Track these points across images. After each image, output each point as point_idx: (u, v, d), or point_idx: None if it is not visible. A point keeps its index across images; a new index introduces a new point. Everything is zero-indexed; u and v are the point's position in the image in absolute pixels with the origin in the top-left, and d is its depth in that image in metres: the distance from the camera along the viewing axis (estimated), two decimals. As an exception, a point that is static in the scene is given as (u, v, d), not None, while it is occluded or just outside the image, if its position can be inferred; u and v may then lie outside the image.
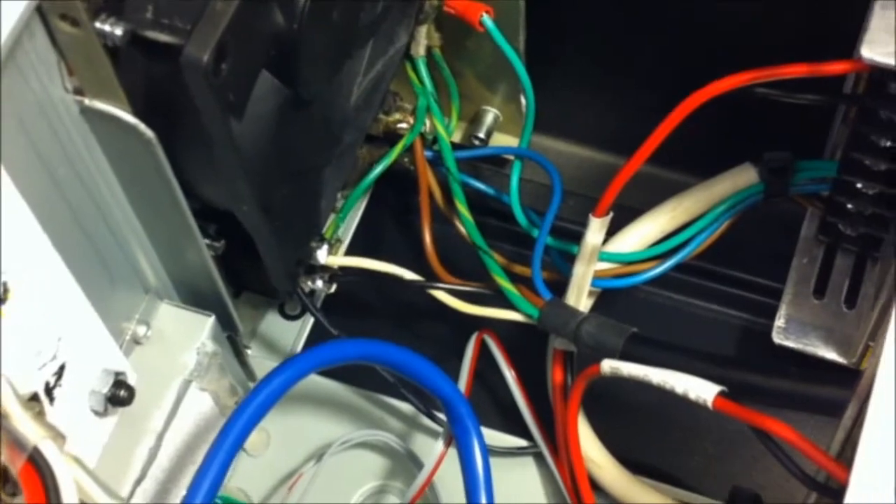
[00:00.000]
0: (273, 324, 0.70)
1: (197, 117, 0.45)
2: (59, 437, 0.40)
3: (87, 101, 0.46)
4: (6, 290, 0.43)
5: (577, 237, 0.63)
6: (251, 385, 0.63)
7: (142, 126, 0.46)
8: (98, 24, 0.43)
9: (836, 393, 0.54)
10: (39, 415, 0.44)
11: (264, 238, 0.53)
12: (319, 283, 0.62)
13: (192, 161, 0.49)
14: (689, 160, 0.66)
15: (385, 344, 0.54)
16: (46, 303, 0.45)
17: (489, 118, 0.71)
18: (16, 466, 0.39)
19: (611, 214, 0.60)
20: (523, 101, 0.67)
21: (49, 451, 0.39)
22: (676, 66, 0.58)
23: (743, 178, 0.62)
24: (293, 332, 0.69)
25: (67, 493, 0.39)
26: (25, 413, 0.39)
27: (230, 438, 0.50)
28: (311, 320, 0.69)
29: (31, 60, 0.43)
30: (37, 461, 0.39)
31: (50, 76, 0.44)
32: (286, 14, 0.48)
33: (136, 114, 0.46)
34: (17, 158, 0.43)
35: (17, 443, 0.39)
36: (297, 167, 0.55)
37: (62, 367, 0.48)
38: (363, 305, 0.70)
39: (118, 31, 0.43)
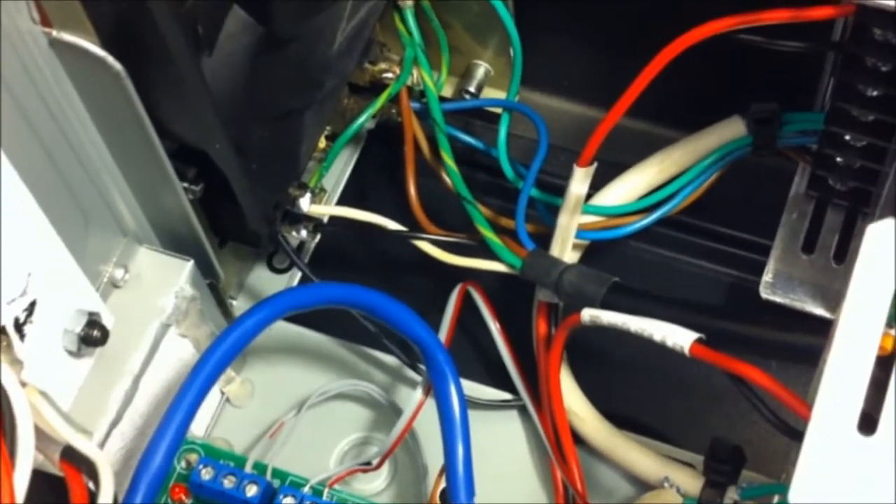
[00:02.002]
0: (260, 277, 0.69)
1: (165, 50, 0.45)
2: (16, 362, 0.40)
3: (54, 33, 0.46)
4: (-31, 220, 0.43)
5: (554, 188, 0.63)
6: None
7: (110, 59, 0.46)
8: (61, -47, 0.43)
9: (814, 341, 0.53)
10: (6, 347, 0.44)
11: (238, 178, 0.53)
12: (304, 233, 0.62)
13: (162, 97, 0.48)
14: (679, 115, 0.66)
15: (360, 288, 0.54)
16: (13, 237, 0.45)
17: (480, 72, 0.71)
18: (-29, 392, 0.39)
19: (595, 165, 0.59)
20: (512, 53, 0.67)
21: (4, 375, 0.39)
22: (668, 18, 0.57)
23: (731, 130, 0.62)
24: (280, 286, 0.69)
25: (22, 416, 0.39)
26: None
27: (200, 377, 0.50)
28: (299, 274, 0.69)
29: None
30: (-9, 390, 0.38)
31: (17, 7, 0.44)
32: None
33: (105, 46, 0.46)
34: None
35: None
36: (275, 110, 0.55)
37: (33, 304, 0.47)
38: (348, 259, 0.69)
39: (81, -40, 0.43)
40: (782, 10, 0.53)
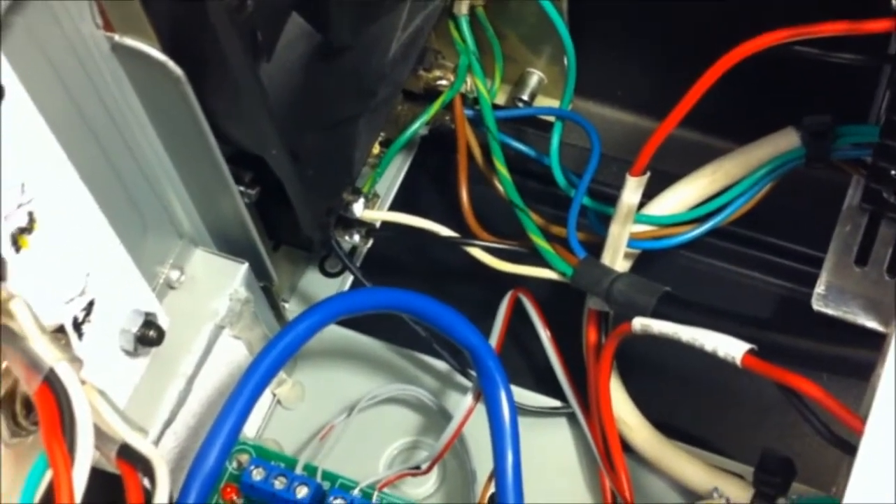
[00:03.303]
0: (313, 280, 0.70)
1: (219, 58, 0.46)
2: (76, 360, 0.40)
3: (116, 38, 0.46)
4: (32, 221, 0.43)
5: (606, 197, 0.63)
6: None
7: (171, 63, 0.46)
8: (126, -40, 0.43)
9: (866, 354, 0.53)
10: (65, 346, 0.45)
11: (293, 183, 0.53)
12: (357, 238, 0.63)
13: (220, 102, 0.49)
14: (731, 126, 0.66)
15: (412, 293, 0.55)
16: (74, 237, 0.46)
17: (533, 80, 0.71)
18: (32, 389, 0.39)
19: (647, 174, 0.59)
20: (566, 62, 0.67)
21: (65, 372, 0.39)
22: (722, 30, 0.57)
23: (784, 142, 0.62)
24: (332, 290, 0.70)
25: (82, 414, 0.39)
26: (43, 336, 0.40)
27: (254, 379, 0.50)
28: (351, 278, 0.69)
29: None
30: (52, 382, 0.39)
31: (80, 13, 0.45)
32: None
33: (166, 51, 0.46)
34: (46, 95, 0.43)
35: (34, 365, 0.40)
36: (330, 116, 0.56)
37: (91, 304, 0.48)
38: (400, 264, 0.70)
39: (145, -34, 0.44)
40: (838, 22, 0.53)
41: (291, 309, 0.68)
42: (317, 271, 0.70)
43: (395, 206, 0.71)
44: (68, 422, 0.39)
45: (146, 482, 0.42)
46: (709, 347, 0.52)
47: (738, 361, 0.51)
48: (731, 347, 0.52)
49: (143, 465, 0.42)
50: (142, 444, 0.43)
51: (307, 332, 0.51)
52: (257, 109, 0.48)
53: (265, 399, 0.65)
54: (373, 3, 0.55)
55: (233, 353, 0.59)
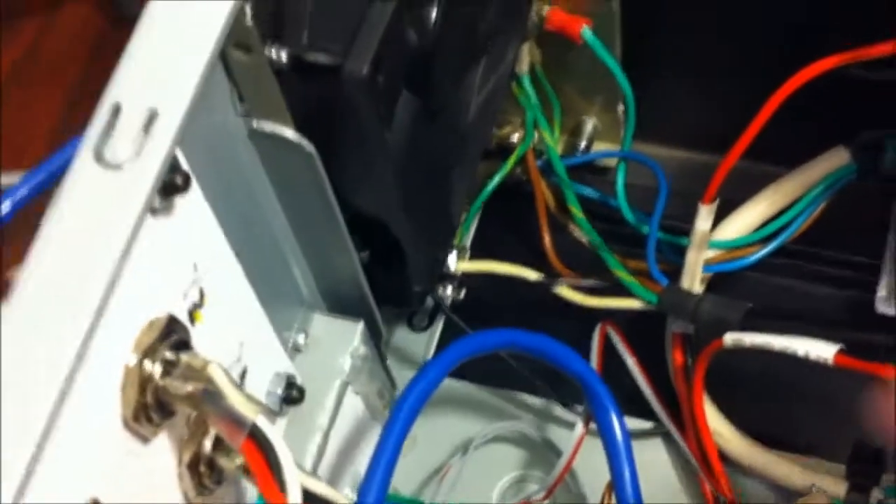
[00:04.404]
0: (403, 337, 0.74)
1: (353, 130, 0.50)
2: (270, 413, 0.44)
3: (255, 124, 0.51)
4: (202, 296, 0.48)
5: (681, 232, 0.68)
6: (394, 389, 0.68)
7: (304, 142, 0.51)
8: (267, 50, 0.48)
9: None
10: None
11: (410, 242, 0.58)
12: (449, 290, 0.67)
13: (347, 172, 0.54)
14: (781, 152, 0.71)
15: (526, 332, 0.59)
16: (232, 310, 0.50)
17: (589, 127, 0.76)
18: (237, 444, 0.44)
19: (717, 201, 0.64)
20: (620, 108, 0.72)
21: (265, 425, 0.44)
22: (771, 61, 0.62)
23: (836, 160, 0.67)
24: (422, 344, 0.74)
25: (287, 462, 0.43)
26: (240, 394, 0.44)
27: (399, 423, 0.54)
28: (439, 331, 0.74)
29: (214, 93, 0.48)
30: (256, 436, 0.43)
31: (225, 104, 0.49)
32: (419, 30, 0.53)
33: (298, 129, 0.51)
34: (204, 180, 0.47)
35: (236, 422, 0.44)
36: (430, 176, 0.60)
37: (244, 371, 0.53)
38: (491, 309, 0.74)
39: (283, 56, 0.48)
40: (887, 43, 0.58)
41: (390, 364, 0.72)
42: (405, 327, 0.75)
43: (473, 255, 0.75)
44: (276, 472, 0.43)
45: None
46: (801, 352, 0.57)
47: (830, 361, 0.56)
48: (822, 350, 0.56)
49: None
50: (321, 488, 0.48)
51: (442, 373, 0.55)
52: (386, 177, 0.53)
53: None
54: (460, 66, 0.60)
55: (354, 408, 0.64)
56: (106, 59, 0.96)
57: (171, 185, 0.42)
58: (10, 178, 0.84)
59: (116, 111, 0.41)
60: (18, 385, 0.37)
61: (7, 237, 0.73)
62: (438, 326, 0.75)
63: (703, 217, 0.64)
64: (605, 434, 0.60)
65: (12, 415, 0.36)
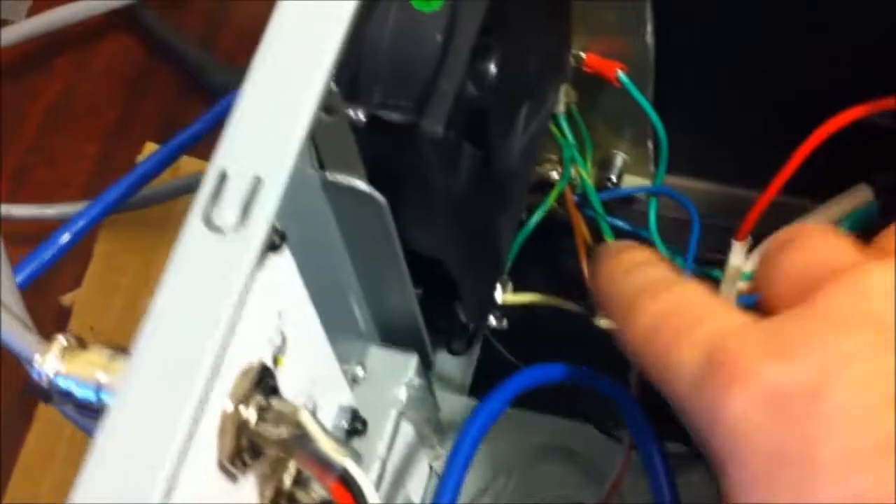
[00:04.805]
0: (441, 359, 0.77)
1: (423, 181, 0.53)
2: (356, 454, 0.48)
3: (328, 176, 0.54)
4: (284, 341, 0.51)
5: (710, 262, 0.71)
6: (438, 414, 0.71)
7: (376, 194, 0.54)
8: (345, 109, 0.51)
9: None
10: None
11: (467, 282, 0.61)
12: (493, 320, 0.71)
13: (412, 218, 0.57)
14: (806, 185, 0.74)
15: (574, 367, 0.62)
16: (307, 350, 0.53)
17: (619, 161, 0.79)
18: (327, 486, 0.47)
19: (750, 239, 0.67)
20: (650, 144, 0.76)
21: (353, 468, 0.47)
22: (803, 102, 0.65)
23: (859, 197, 0.70)
24: (461, 368, 0.77)
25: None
26: (329, 438, 0.47)
27: (466, 446, 0.57)
28: (476, 355, 0.77)
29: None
30: (347, 480, 0.46)
31: (304, 160, 0.52)
32: (478, 82, 0.56)
33: (370, 180, 0.54)
34: (288, 233, 0.49)
35: (325, 465, 0.47)
36: (482, 216, 0.63)
37: (315, 406, 0.56)
38: (527, 337, 0.77)
39: (361, 115, 0.51)
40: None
41: (433, 388, 0.75)
42: (444, 351, 0.78)
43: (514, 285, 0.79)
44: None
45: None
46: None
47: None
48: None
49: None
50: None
51: (496, 414, 0.59)
52: (447, 223, 0.56)
53: (423, 471, 0.72)
54: (509, 115, 0.63)
55: (406, 436, 0.67)
56: (145, 96, 0.99)
57: (271, 245, 0.45)
58: (60, 210, 0.87)
59: (223, 178, 0.44)
60: (143, 448, 0.41)
61: (62, 265, 0.77)
62: (476, 350, 0.78)
63: (737, 253, 0.68)
64: (647, 465, 0.63)
65: (140, 470, 0.40)
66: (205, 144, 0.80)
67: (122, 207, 0.77)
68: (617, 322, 0.48)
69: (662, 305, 0.44)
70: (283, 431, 0.47)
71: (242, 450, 0.47)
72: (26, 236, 0.87)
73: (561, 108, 0.73)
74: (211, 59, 1.00)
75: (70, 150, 0.97)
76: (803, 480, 0.37)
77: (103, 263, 0.90)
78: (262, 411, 0.47)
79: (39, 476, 0.84)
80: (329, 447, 0.47)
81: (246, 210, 0.43)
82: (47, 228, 0.79)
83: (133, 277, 0.89)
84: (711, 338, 0.41)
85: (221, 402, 0.45)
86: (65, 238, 0.73)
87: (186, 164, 0.85)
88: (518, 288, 0.78)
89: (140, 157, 0.93)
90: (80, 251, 0.82)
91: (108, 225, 0.88)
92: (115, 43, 1.01)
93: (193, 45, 1.01)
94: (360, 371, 0.64)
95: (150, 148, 0.93)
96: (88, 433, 0.50)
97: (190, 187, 0.88)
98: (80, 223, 0.74)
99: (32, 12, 1.02)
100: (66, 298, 0.89)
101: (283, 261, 0.48)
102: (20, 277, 0.73)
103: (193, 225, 0.43)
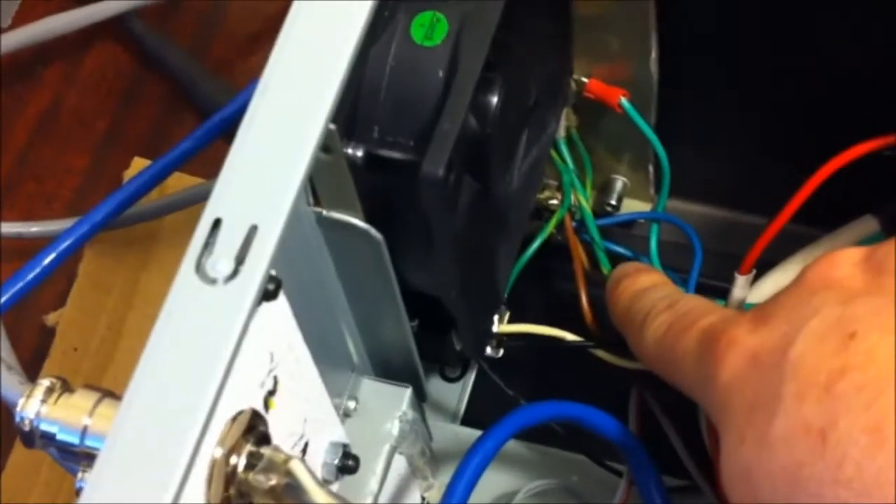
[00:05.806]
0: (435, 386, 0.76)
1: (420, 219, 0.52)
2: (347, 504, 0.46)
3: (325, 213, 0.52)
4: (276, 383, 0.49)
5: (710, 290, 0.69)
6: (431, 440, 0.70)
7: (373, 231, 0.52)
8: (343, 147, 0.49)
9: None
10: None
11: (465, 315, 0.59)
12: (489, 350, 0.69)
13: (409, 255, 0.55)
14: (809, 214, 0.73)
15: (574, 404, 0.61)
16: (299, 390, 0.52)
17: (619, 186, 0.78)
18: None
19: (754, 272, 0.66)
20: (650, 168, 0.74)
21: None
22: (812, 130, 0.64)
23: (865, 228, 0.69)
24: (455, 394, 0.76)
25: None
26: (321, 489, 0.46)
27: (460, 490, 0.56)
28: (471, 382, 0.76)
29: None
30: (336, 528, 0.45)
31: (300, 199, 0.51)
32: (480, 117, 0.55)
33: (367, 219, 0.52)
34: (282, 272, 0.48)
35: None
36: (480, 248, 0.62)
37: (306, 444, 0.54)
38: (523, 367, 0.76)
39: (359, 153, 0.50)
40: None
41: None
42: (437, 377, 0.76)
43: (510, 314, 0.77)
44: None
45: None
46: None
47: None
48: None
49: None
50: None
51: (493, 453, 0.57)
52: (446, 259, 0.54)
53: (415, 503, 0.70)
54: (510, 145, 0.61)
55: (398, 469, 0.65)
56: (134, 107, 0.97)
57: (265, 295, 0.43)
58: (45, 227, 0.85)
59: (217, 225, 0.42)
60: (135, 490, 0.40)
61: (46, 283, 0.75)
62: (471, 377, 0.76)
63: (741, 286, 0.66)
64: (646, 496, 0.62)
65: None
66: (192, 160, 0.78)
67: (108, 226, 0.76)
68: (633, 334, 0.56)
69: (671, 314, 0.53)
70: (273, 480, 0.46)
71: (231, 498, 0.45)
72: (10, 251, 0.86)
73: (561, 133, 0.72)
74: (201, 69, 0.98)
75: (58, 163, 0.95)
76: (769, 418, 0.41)
77: (88, 282, 0.88)
78: (253, 459, 0.46)
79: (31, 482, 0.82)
80: (320, 497, 0.46)
81: (240, 260, 0.42)
82: (33, 244, 0.77)
83: (118, 297, 0.87)
84: (708, 326, 0.49)
85: (210, 451, 0.44)
86: (50, 258, 0.72)
87: (174, 180, 0.83)
88: (515, 313, 0.76)
89: (128, 173, 0.91)
90: (64, 269, 0.80)
91: (94, 243, 0.86)
92: (104, 53, 0.99)
93: (182, 55, 0.99)
94: (352, 404, 0.62)
95: (139, 164, 0.92)
96: (74, 474, 0.49)
97: (176, 205, 0.86)
98: (66, 243, 0.72)
99: (19, 19, 1.00)
100: (51, 318, 0.88)
101: (278, 307, 0.46)
102: (3, 298, 0.72)
103: (186, 274, 0.42)
